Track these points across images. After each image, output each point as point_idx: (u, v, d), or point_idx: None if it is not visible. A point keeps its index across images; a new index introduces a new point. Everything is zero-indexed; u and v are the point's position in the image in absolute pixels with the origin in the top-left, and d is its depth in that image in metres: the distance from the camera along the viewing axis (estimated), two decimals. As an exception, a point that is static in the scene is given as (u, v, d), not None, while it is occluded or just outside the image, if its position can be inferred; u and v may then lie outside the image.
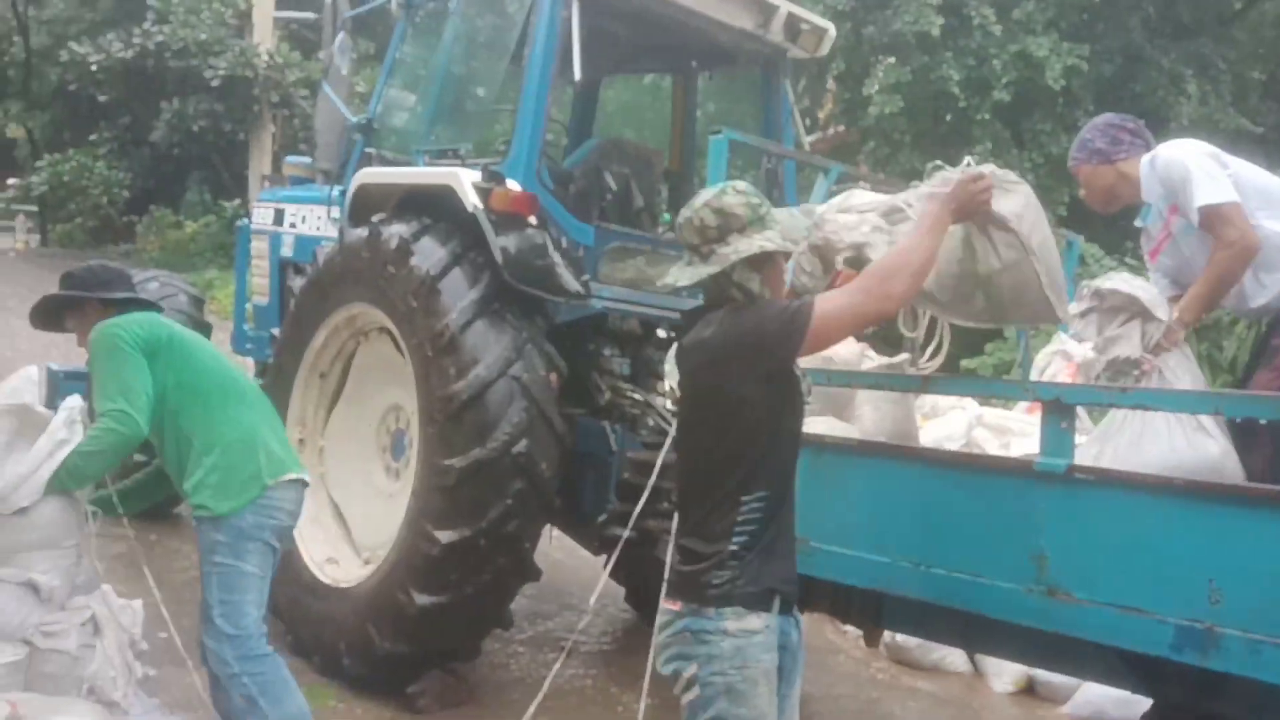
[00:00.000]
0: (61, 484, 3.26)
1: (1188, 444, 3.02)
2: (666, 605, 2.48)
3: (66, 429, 3.25)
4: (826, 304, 2.48)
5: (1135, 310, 3.24)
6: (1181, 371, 3.25)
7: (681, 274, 2.58)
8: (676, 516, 2.62)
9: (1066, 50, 11.58)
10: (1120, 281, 3.35)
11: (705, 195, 2.57)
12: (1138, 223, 3.81)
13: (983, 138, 12.04)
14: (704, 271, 2.51)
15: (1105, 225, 8.36)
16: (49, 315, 3.57)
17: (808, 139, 13.92)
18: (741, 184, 2.59)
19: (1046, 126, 12.34)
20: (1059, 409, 2.65)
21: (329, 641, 4.62)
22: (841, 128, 14.61)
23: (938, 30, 11.72)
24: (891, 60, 12.46)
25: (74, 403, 3.37)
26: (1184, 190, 3.40)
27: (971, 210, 2.77)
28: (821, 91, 14.74)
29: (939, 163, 3.09)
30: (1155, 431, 3.06)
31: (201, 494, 3.27)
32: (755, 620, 2.37)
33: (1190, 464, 2.91)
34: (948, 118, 12.44)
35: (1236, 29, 13.86)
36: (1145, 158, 3.62)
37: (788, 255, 2.64)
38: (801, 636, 2.59)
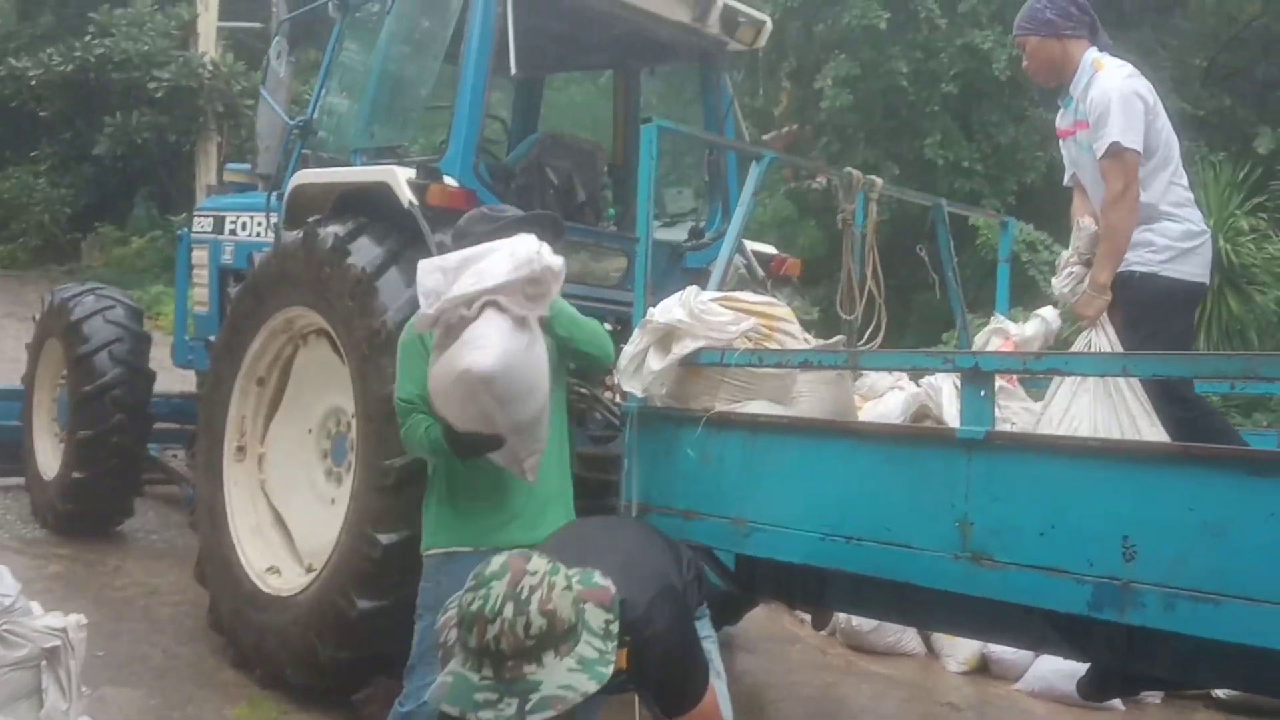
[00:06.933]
0: None
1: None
2: None
3: None
4: None
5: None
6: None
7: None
8: None
9: (1011, 42, 11.69)
10: None
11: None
12: (1060, 101, 3.88)
13: (933, 130, 12.13)
14: None
15: (1055, 213, 8.43)
16: None
17: (764, 136, 13.86)
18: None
19: (994, 117, 12.44)
20: (977, 376, 2.67)
21: (271, 652, 4.52)
22: (795, 126, 14.67)
23: (884, 24, 11.81)
24: (842, 56, 12.50)
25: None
26: (1102, 120, 3.51)
27: None
28: (776, 90, 14.79)
29: None
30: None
31: None
32: None
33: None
34: (902, 112, 12.50)
35: (1178, 18, 14.09)
36: (1088, 58, 3.69)
37: None
38: None
